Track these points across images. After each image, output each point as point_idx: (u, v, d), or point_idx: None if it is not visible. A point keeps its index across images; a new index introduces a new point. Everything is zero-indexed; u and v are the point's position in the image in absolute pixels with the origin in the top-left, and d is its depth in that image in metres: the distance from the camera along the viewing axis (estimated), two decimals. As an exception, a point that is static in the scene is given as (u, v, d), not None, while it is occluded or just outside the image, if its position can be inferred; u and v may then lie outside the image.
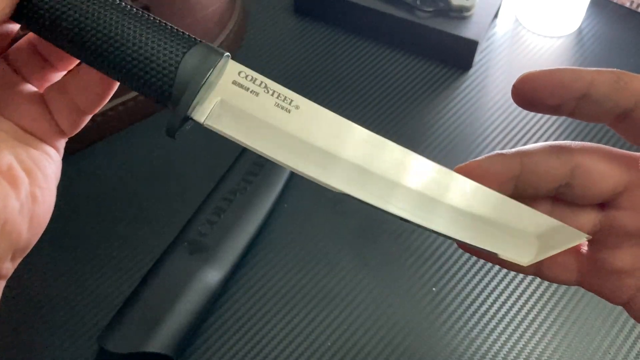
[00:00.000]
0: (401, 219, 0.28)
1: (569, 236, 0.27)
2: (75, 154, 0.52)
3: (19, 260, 0.29)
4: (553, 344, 0.43)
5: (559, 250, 0.27)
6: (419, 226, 0.28)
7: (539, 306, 0.44)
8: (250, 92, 0.27)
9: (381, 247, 0.47)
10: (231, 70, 0.28)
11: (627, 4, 0.64)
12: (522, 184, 0.28)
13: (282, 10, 0.64)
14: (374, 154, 0.28)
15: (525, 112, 0.56)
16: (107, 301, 0.44)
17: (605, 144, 0.30)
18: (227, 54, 0.28)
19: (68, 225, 0.48)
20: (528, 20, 0.62)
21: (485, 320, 0.44)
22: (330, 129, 0.27)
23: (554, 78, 0.26)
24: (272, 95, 0.27)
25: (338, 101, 0.56)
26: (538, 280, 0.46)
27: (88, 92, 0.31)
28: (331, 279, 0.46)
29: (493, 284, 0.45)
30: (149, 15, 0.28)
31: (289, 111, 0.27)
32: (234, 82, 0.27)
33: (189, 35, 0.28)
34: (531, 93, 0.27)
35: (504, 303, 0.45)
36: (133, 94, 0.53)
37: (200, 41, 0.28)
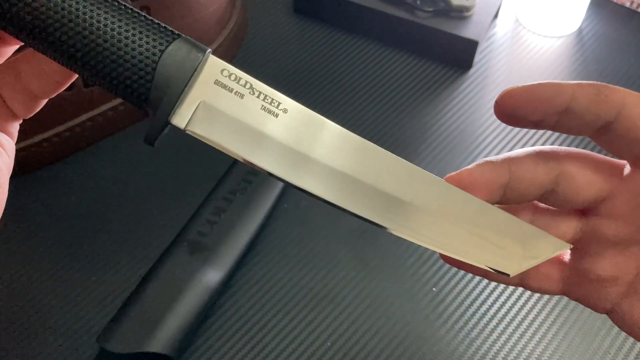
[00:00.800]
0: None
1: (553, 245, 0.27)
2: (74, 155, 0.52)
3: None
4: (553, 344, 0.43)
5: (543, 260, 0.27)
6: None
7: (539, 306, 0.44)
8: (235, 93, 0.25)
9: (381, 247, 0.47)
10: (213, 68, 0.25)
11: (627, 4, 0.64)
12: (509, 191, 0.28)
13: (282, 10, 0.64)
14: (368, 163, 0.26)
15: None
16: (107, 301, 0.44)
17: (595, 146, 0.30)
18: (209, 49, 0.25)
19: (68, 226, 0.48)
20: (528, 20, 0.62)
21: (485, 320, 0.44)
22: (321, 135, 0.25)
23: (535, 94, 0.26)
24: (259, 97, 0.25)
25: (338, 101, 0.56)
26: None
27: (44, 78, 0.28)
28: (331, 279, 0.46)
29: (493, 284, 0.45)
30: (120, 4, 0.24)
31: (277, 115, 0.25)
32: (217, 82, 0.25)
33: (166, 27, 0.25)
34: (513, 109, 0.27)
35: (504, 303, 0.45)
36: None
37: (179, 35, 0.25)
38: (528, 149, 0.28)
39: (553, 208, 0.29)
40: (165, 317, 0.40)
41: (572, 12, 0.61)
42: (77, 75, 0.27)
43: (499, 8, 0.61)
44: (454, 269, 0.46)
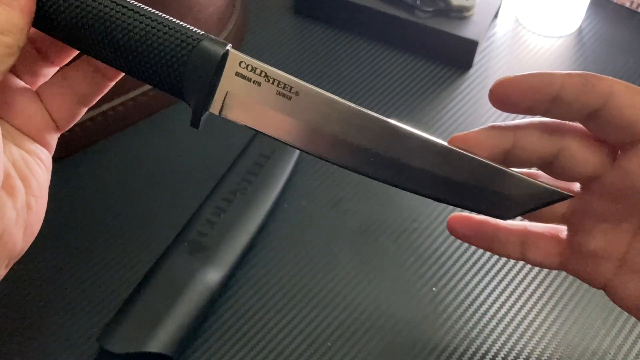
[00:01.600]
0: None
1: (552, 194, 0.29)
2: (74, 155, 0.52)
3: (9, 267, 0.29)
4: (553, 344, 0.43)
5: (541, 207, 0.29)
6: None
7: (539, 306, 0.44)
8: (253, 82, 0.29)
9: (381, 247, 0.47)
10: (233, 61, 0.29)
11: (627, 4, 0.64)
12: (510, 157, 0.30)
13: (282, 10, 0.64)
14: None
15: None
16: (107, 301, 0.44)
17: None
18: (229, 44, 0.29)
19: (68, 226, 0.48)
20: (528, 20, 0.62)
21: (485, 320, 0.44)
22: (326, 110, 0.29)
23: (526, 83, 0.28)
24: (273, 83, 0.29)
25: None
26: (538, 280, 0.46)
27: (89, 81, 0.31)
28: (331, 279, 0.46)
29: (493, 284, 0.45)
30: (156, 13, 0.29)
31: (290, 98, 0.29)
32: (237, 74, 0.29)
33: (193, 29, 0.29)
34: (506, 97, 0.29)
35: (504, 303, 0.45)
36: (132, 94, 0.53)
37: (204, 34, 0.29)
38: (535, 120, 0.30)
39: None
40: (165, 317, 0.40)
41: (572, 12, 0.61)
42: (119, 77, 0.32)
43: (499, 8, 0.61)
44: (454, 269, 0.46)
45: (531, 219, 0.35)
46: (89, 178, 0.51)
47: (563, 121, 0.30)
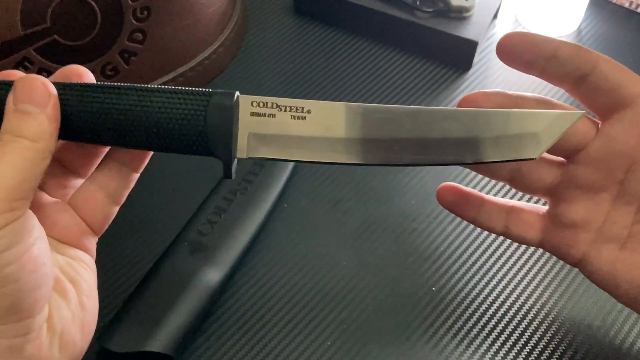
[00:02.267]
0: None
1: (567, 118, 0.31)
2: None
3: None
4: (553, 343, 0.43)
5: (562, 133, 0.31)
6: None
7: (538, 306, 0.44)
8: (268, 116, 0.30)
9: (381, 247, 0.47)
10: (245, 104, 0.30)
11: (626, 5, 0.64)
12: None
13: (282, 10, 0.64)
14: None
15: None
16: (108, 301, 0.44)
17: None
18: (236, 92, 0.30)
19: (68, 225, 0.48)
20: (528, 21, 0.62)
21: (485, 319, 0.44)
22: (336, 119, 0.31)
23: (529, 38, 0.33)
24: (286, 110, 0.30)
25: (338, 101, 0.56)
26: (538, 279, 0.46)
27: (116, 176, 0.33)
28: (331, 278, 0.46)
29: (493, 283, 0.46)
30: (161, 88, 0.30)
31: (304, 118, 0.30)
32: (252, 114, 0.30)
33: (198, 90, 0.30)
34: (511, 47, 0.33)
35: (503, 303, 0.45)
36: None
37: (209, 91, 0.30)
38: (533, 94, 0.34)
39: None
40: (166, 317, 0.40)
41: (571, 12, 0.61)
42: (147, 161, 0.34)
43: (498, 8, 0.61)
44: (454, 269, 0.46)
45: (520, 187, 0.37)
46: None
47: (553, 99, 0.34)
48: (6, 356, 0.27)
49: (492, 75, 0.59)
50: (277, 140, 0.30)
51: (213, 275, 0.43)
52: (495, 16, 0.62)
